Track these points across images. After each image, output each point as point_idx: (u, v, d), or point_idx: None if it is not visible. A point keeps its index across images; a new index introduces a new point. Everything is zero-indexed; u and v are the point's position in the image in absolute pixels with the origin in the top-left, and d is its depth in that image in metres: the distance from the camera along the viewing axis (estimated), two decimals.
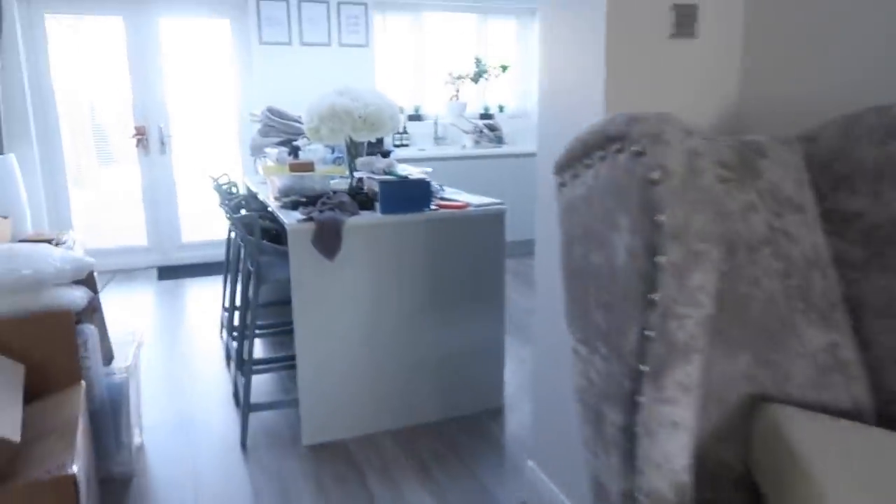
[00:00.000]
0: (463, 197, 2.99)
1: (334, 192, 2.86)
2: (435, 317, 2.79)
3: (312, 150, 3.16)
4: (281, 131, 3.48)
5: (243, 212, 3.00)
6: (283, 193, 2.87)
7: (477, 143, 5.60)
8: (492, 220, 2.82)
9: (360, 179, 2.95)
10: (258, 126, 3.63)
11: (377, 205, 2.69)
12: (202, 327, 4.01)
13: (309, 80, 5.33)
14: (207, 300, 4.52)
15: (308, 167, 2.81)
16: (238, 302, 3.27)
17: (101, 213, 5.28)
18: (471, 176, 5.38)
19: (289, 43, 5.23)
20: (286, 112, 3.58)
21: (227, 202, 2.89)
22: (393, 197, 2.66)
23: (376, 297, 2.68)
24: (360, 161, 2.87)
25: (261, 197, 3.33)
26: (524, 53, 6.18)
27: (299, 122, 3.54)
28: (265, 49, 5.18)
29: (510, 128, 5.84)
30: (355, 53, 5.44)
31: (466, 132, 5.65)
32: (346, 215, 2.59)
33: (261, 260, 2.73)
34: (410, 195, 2.69)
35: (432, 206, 2.75)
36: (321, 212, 2.60)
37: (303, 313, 2.58)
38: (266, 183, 3.36)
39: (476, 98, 6.08)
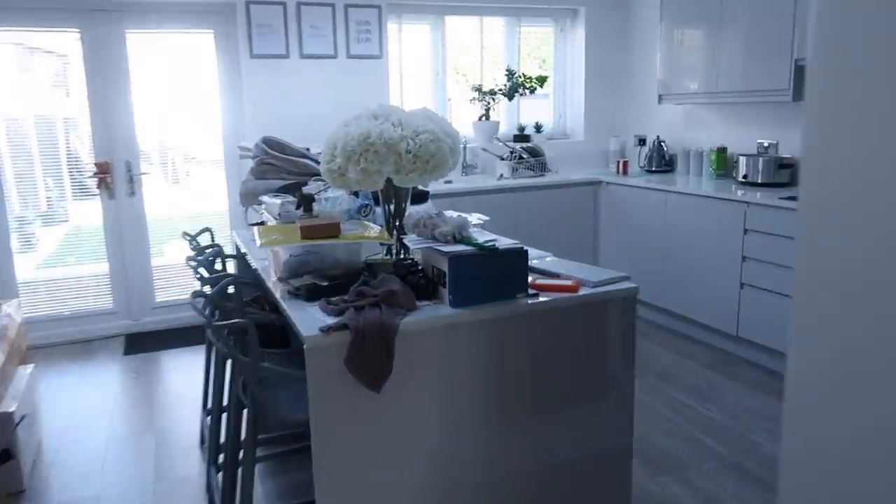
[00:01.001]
0: (565, 269, 1.99)
1: (369, 268, 1.85)
2: (528, 445, 1.78)
3: (332, 200, 2.17)
4: (283, 171, 2.48)
5: (234, 292, 1.99)
6: (292, 273, 1.87)
7: (515, 171, 4.63)
8: (618, 306, 1.82)
9: (404, 246, 1.95)
10: (250, 163, 2.63)
11: (444, 291, 1.69)
12: (178, 437, 2.97)
13: (312, 101, 4.35)
14: (184, 387, 3.49)
15: (331, 231, 1.81)
16: (224, 396, 2.27)
17: (64, 265, 4.24)
18: (514, 213, 4.39)
19: (286, 56, 4.25)
20: (289, 144, 2.59)
21: (205, 289, 1.88)
22: (471, 281, 1.66)
23: (442, 434, 1.67)
24: (411, 220, 1.87)
25: (253, 262, 2.32)
26: (563, 62, 5.23)
27: (309, 158, 2.55)
28: (257, 64, 4.20)
29: (549, 151, 4.87)
30: (366, 67, 4.47)
31: (502, 158, 4.67)
32: (399, 315, 1.59)
33: (259, 388, 1.71)
34: (497, 276, 1.69)
35: (529, 290, 1.75)
36: (358, 309, 1.59)
37: (329, 471, 1.57)
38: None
39: (507, 116, 5.12)
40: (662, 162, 4.68)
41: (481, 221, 2.46)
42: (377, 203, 2.41)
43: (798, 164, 3.82)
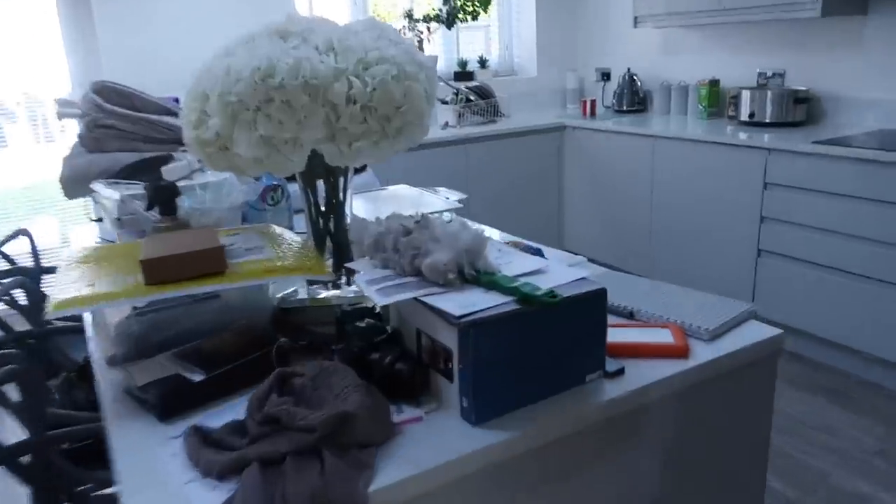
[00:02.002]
0: (631, 297, 1.15)
1: (284, 321, 0.96)
2: None
3: (212, 188, 1.24)
4: (136, 139, 1.51)
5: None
6: (132, 348, 0.94)
7: (461, 117, 3.73)
8: (757, 369, 1.01)
9: (348, 272, 1.06)
10: (78, 128, 1.63)
11: (449, 388, 0.82)
12: None
13: (191, 32, 3.26)
14: None
15: (209, 263, 0.91)
16: None
17: None
18: (463, 170, 3.52)
19: None
20: (141, 94, 1.60)
21: None
22: (509, 367, 0.80)
23: None
24: (365, 235, 0.97)
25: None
26: None
27: (175, 115, 1.58)
28: None
29: (497, 91, 3.98)
30: None
31: (445, 102, 3.76)
32: (364, 471, 0.71)
33: None
34: (558, 349, 0.83)
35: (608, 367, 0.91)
36: (267, 465, 0.70)
37: None
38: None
39: (444, 51, 4.18)
40: (636, 100, 3.89)
41: (461, 205, 1.58)
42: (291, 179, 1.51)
43: (817, 98, 3.11)
